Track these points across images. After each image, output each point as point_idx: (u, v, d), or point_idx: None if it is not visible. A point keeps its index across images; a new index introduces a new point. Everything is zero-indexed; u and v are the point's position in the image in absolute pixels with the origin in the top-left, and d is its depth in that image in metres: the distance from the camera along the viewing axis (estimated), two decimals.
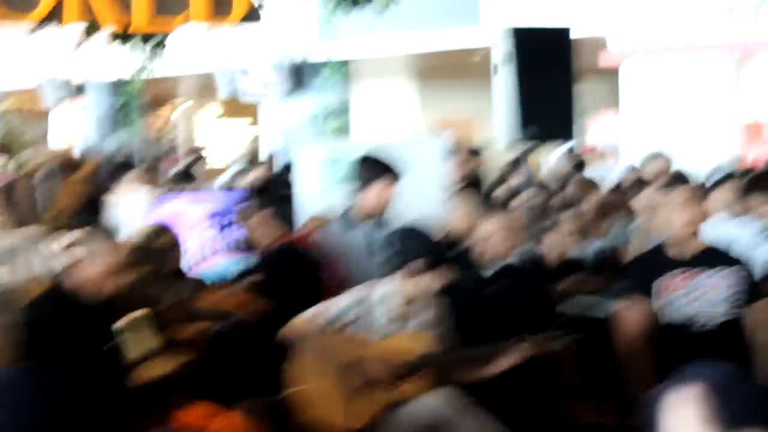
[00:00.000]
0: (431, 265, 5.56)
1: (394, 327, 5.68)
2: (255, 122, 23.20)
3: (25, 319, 5.00)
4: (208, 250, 7.78)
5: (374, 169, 6.79)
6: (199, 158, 12.74)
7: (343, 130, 16.59)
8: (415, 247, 5.59)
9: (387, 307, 5.65)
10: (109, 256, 5.06)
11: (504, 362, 5.65)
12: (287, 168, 11.57)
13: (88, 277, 5.02)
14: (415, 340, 5.69)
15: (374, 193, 6.74)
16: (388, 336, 5.65)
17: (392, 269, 5.65)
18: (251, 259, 7.47)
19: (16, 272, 5.51)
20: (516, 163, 11.29)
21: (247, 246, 7.48)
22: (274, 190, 10.31)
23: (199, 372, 6.67)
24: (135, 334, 5.68)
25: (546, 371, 6.24)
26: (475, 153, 12.24)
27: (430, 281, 5.58)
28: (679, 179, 8.39)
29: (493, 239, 6.16)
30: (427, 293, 5.67)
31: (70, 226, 6.93)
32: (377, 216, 6.76)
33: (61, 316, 4.94)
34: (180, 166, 13.41)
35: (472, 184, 10.02)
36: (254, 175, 9.62)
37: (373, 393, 5.18)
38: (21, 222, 6.04)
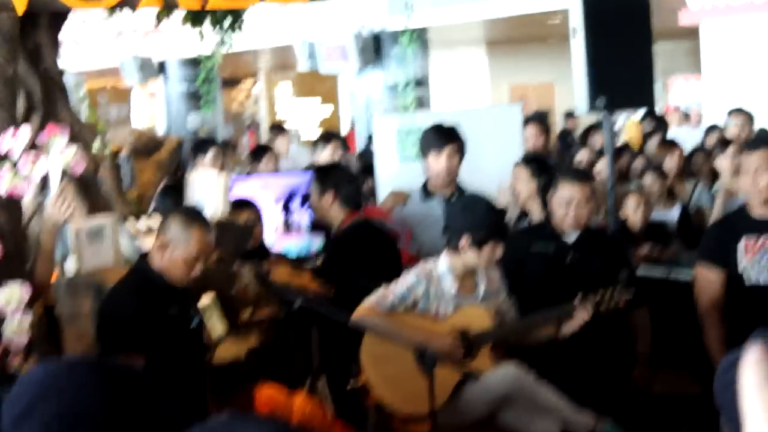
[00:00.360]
0: (495, 236, 5.57)
1: (459, 300, 5.70)
2: (330, 100, 23.24)
3: (110, 304, 5.04)
4: (280, 229, 7.83)
5: (438, 138, 6.81)
6: (281, 134, 12.81)
7: (423, 101, 16.58)
8: (479, 218, 5.60)
9: (452, 280, 5.67)
10: (194, 239, 5.01)
11: (576, 321, 5.68)
12: (371, 140, 11.61)
13: (172, 260, 5.00)
14: (481, 313, 5.71)
15: (440, 162, 6.77)
16: (456, 310, 5.67)
17: (456, 241, 5.67)
18: (322, 239, 7.53)
19: (100, 255, 5.57)
20: (596, 128, 11.22)
21: (319, 225, 7.53)
22: (362, 162, 10.35)
23: (270, 353, 6.74)
24: (213, 315, 5.74)
25: (620, 338, 6.22)
26: (548, 121, 12.15)
27: (493, 252, 5.59)
28: (762, 139, 8.28)
29: (574, 204, 6.13)
30: (490, 264, 5.68)
31: (154, 207, 7.02)
32: (451, 186, 6.78)
33: (145, 299, 4.96)
34: (262, 142, 13.53)
35: (547, 152, 9.95)
36: (329, 152, 9.63)
37: (443, 371, 5.18)
38: (104, 203, 6.11)
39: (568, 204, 6.16)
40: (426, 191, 6.86)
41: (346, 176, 6.76)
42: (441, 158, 6.79)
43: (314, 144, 10.61)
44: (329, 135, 11.67)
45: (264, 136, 17.87)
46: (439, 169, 6.80)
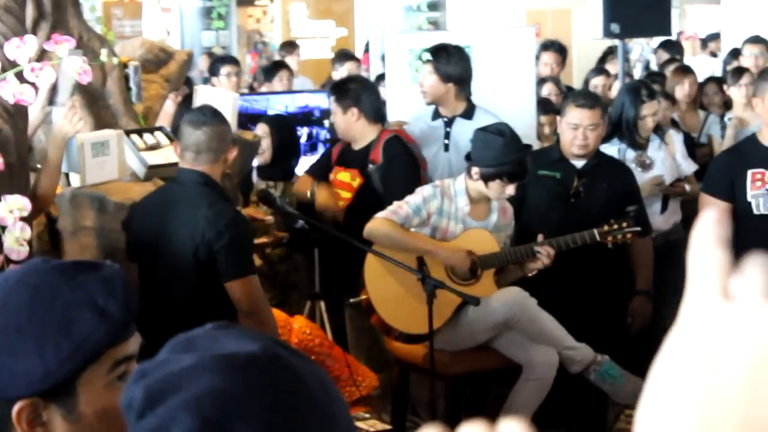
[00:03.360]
0: (505, 176, 5.52)
1: (470, 223, 5.69)
2: (344, 23, 23.04)
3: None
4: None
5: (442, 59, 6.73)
6: (293, 51, 12.75)
7: (438, 24, 16.48)
8: (493, 155, 5.55)
9: (466, 201, 5.65)
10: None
11: (536, 265, 5.65)
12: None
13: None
14: (489, 238, 5.69)
15: (433, 85, 6.68)
16: (463, 231, 5.66)
17: (470, 168, 5.63)
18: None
19: (104, 168, 5.55)
20: (611, 53, 11.14)
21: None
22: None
23: (272, 275, 6.75)
24: None
25: (620, 270, 6.20)
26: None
27: (502, 189, 5.55)
28: None
29: (581, 129, 6.09)
30: (499, 198, 5.65)
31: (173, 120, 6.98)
32: (451, 107, 6.69)
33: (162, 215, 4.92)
34: (275, 58, 13.45)
35: (557, 75, 9.90)
36: (346, 70, 9.58)
37: (444, 294, 5.19)
38: (111, 116, 6.08)
39: (575, 128, 6.12)
40: (435, 111, 6.79)
41: (366, 88, 6.60)
42: (434, 79, 6.72)
43: (332, 63, 10.58)
44: (346, 54, 11.61)
45: (277, 56, 17.82)
46: (432, 90, 6.70)
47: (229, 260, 4.73)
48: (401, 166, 6.29)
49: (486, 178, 5.53)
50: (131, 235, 5.10)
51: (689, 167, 7.08)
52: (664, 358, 0.74)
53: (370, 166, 6.33)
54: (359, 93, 6.41)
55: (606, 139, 6.61)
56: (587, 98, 6.44)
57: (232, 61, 10.05)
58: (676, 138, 7.20)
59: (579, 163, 6.16)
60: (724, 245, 0.75)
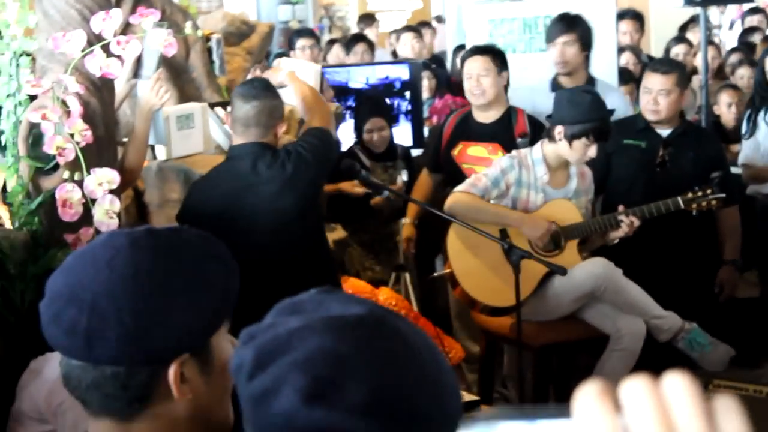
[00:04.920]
0: (590, 134, 5.45)
1: (550, 192, 5.64)
2: None
3: (197, 192, 4.94)
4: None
5: (551, 28, 6.67)
6: (372, 24, 12.72)
7: None
8: (579, 112, 5.48)
9: (545, 169, 5.60)
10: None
11: (618, 233, 5.59)
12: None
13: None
14: (571, 207, 5.65)
15: (553, 53, 6.60)
16: (545, 201, 5.62)
17: (552, 129, 5.57)
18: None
19: (190, 141, 5.57)
20: (693, 21, 11.00)
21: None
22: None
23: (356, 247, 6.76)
24: None
25: (707, 239, 6.14)
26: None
27: (585, 149, 5.48)
28: None
29: (654, 94, 6.03)
30: (581, 160, 5.58)
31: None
32: (577, 78, 6.58)
33: (238, 187, 4.87)
34: (354, 31, 13.44)
35: (636, 43, 9.79)
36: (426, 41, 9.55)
37: (529, 264, 5.14)
38: (194, 89, 6.11)
39: (647, 93, 6.06)
40: (554, 82, 6.69)
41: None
42: (554, 48, 6.65)
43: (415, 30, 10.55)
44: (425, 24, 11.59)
45: (354, 28, 17.79)
46: (555, 60, 6.64)
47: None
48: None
49: (571, 137, 5.46)
50: (200, 217, 4.75)
51: None
52: None
53: (519, 139, 6.13)
54: (506, 64, 6.27)
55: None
56: (662, 64, 6.38)
57: (309, 33, 10.03)
58: None
59: (664, 132, 6.10)
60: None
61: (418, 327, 1.60)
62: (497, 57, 6.22)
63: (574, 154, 5.50)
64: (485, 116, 6.30)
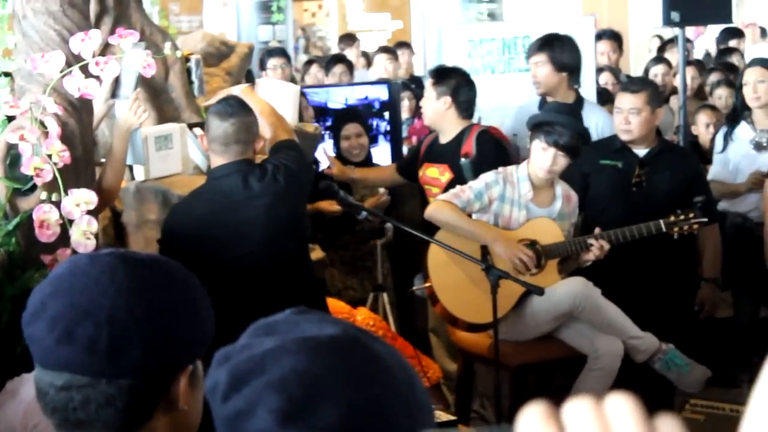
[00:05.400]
0: (555, 146, 5.48)
1: (533, 210, 5.65)
2: (400, 16, 23.01)
3: (179, 214, 4.92)
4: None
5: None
6: (353, 44, 12.73)
7: (495, 16, 16.42)
8: (550, 108, 5.53)
9: (529, 187, 5.62)
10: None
11: (589, 257, 5.61)
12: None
13: None
14: (554, 227, 5.66)
15: (547, 74, 6.61)
16: (528, 219, 5.63)
17: (530, 141, 5.61)
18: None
19: (168, 162, 5.57)
20: (671, 43, 11.05)
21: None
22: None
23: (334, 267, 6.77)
24: None
25: (686, 259, 6.16)
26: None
27: (553, 161, 5.50)
28: None
29: (624, 113, 6.07)
30: (550, 173, 5.58)
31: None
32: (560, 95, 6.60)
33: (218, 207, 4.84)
34: (334, 51, 13.45)
35: (614, 63, 9.83)
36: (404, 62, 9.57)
37: (508, 283, 5.15)
38: (173, 109, 6.11)
39: (618, 112, 6.11)
40: (542, 103, 6.70)
41: (466, 83, 6.34)
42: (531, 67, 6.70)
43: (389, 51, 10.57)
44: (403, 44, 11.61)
45: (334, 48, 17.81)
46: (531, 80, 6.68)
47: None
48: (495, 159, 6.03)
49: (531, 140, 5.53)
50: (184, 244, 4.70)
51: None
52: None
53: (462, 159, 6.17)
54: (458, 85, 6.25)
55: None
56: (633, 83, 6.44)
57: (281, 53, 9.96)
58: None
59: (641, 152, 6.13)
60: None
61: (392, 347, 1.61)
62: (439, 81, 6.31)
63: (535, 159, 5.53)
64: (443, 138, 6.38)
